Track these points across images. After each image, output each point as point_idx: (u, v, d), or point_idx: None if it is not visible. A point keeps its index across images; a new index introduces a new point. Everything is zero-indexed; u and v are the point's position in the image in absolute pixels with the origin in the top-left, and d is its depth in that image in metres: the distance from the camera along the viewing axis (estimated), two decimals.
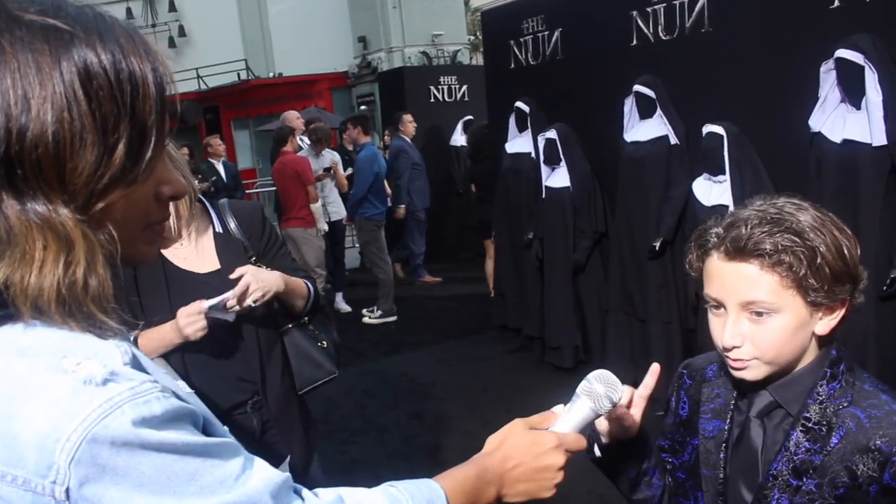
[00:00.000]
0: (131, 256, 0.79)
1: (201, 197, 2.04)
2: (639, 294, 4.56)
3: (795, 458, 1.13)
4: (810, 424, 1.13)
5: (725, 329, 1.14)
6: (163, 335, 1.81)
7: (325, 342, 2.19)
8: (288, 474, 0.79)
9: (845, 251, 1.10)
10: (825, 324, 1.14)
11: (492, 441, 1.06)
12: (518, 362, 5.63)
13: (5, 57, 0.68)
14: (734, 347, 1.14)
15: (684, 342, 4.40)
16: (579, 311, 5.18)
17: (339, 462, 4.07)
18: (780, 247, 1.08)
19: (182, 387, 0.84)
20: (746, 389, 1.21)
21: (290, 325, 2.12)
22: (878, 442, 1.08)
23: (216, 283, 1.87)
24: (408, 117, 8.24)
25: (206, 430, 0.76)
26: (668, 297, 4.42)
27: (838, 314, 1.14)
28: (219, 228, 1.99)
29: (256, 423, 1.95)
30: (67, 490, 0.64)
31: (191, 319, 1.78)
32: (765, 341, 1.12)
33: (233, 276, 1.85)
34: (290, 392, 2.08)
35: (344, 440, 4.45)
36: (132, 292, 1.79)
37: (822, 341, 1.16)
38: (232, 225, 2.01)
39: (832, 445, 1.11)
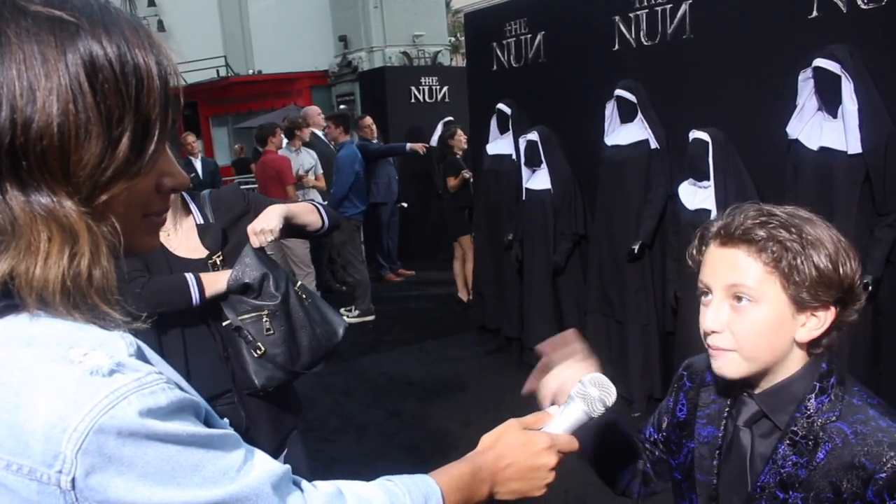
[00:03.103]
0: (132, 247, 0.79)
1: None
2: (617, 296, 4.59)
3: (782, 471, 1.13)
4: (797, 438, 1.12)
5: (707, 313, 1.14)
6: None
7: (260, 347, 1.92)
8: (288, 466, 0.80)
9: (840, 265, 1.08)
10: (807, 331, 1.12)
11: (486, 440, 1.08)
12: (496, 363, 5.65)
13: (11, 48, 0.68)
14: (713, 332, 1.13)
15: (662, 344, 4.45)
16: (558, 313, 5.21)
17: (317, 460, 4.06)
18: (769, 234, 1.08)
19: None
20: (735, 397, 1.21)
21: (230, 322, 1.95)
22: (863, 459, 1.06)
23: (210, 268, 2.00)
24: (363, 122, 8.27)
25: (208, 422, 0.76)
26: (647, 300, 4.46)
27: (822, 324, 1.12)
28: (200, 220, 2.05)
29: (244, 415, 1.97)
30: (73, 480, 0.64)
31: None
32: (742, 331, 1.11)
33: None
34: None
35: (322, 438, 4.44)
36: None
37: (810, 352, 1.15)
38: (210, 216, 2.07)
39: (818, 460, 1.10)
